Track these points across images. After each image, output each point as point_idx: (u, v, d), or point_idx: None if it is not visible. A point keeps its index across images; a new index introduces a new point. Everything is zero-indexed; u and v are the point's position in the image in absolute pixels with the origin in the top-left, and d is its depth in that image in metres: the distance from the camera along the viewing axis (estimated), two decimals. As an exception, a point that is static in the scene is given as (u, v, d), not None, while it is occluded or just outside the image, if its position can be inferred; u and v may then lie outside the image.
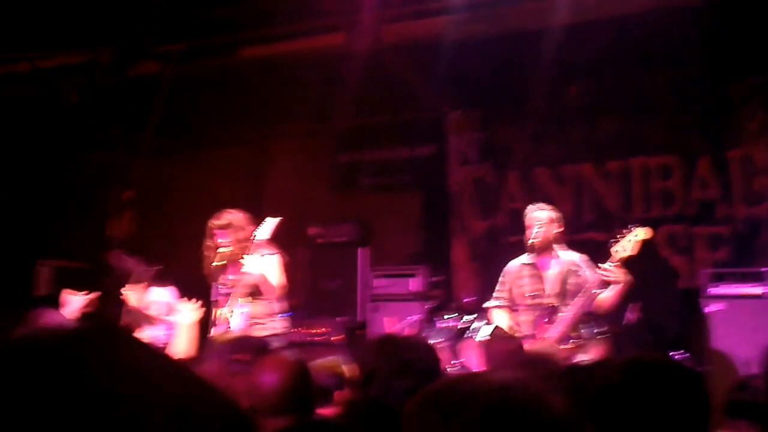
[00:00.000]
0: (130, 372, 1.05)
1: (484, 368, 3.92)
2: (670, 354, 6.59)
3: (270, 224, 5.63)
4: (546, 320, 5.49)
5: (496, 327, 5.65)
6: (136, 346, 1.16)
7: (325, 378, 3.58)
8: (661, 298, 7.27)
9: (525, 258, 5.74)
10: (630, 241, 5.42)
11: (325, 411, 3.27)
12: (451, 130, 8.46)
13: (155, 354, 1.14)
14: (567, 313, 5.48)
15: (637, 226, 5.55)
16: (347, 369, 3.75)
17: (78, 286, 6.29)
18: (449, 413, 1.10)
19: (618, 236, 5.50)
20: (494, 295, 5.88)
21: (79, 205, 8.87)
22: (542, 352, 4.03)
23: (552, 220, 5.67)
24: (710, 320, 6.44)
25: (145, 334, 5.87)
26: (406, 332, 6.70)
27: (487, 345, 4.04)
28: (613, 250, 5.43)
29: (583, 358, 5.53)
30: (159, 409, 1.02)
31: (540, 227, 5.60)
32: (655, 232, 7.43)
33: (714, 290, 6.50)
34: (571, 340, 5.48)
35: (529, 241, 5.60)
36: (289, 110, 8.61)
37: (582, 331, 5.71)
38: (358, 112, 8.48)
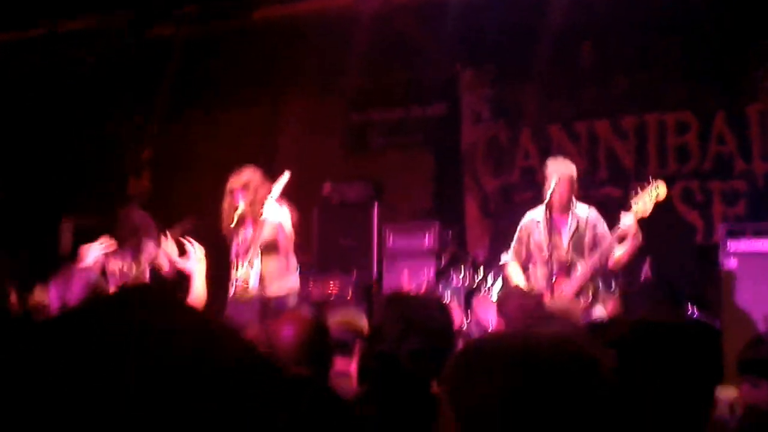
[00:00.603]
0: (180, 331, 1.11)
1: (500, 324, 3.91)
2: (686, 310, 6.61)
3: (282, 181, 5.66)
4: (561, 275, 5.48)
5: (511, 283, 5.63)
6: (183, 307, 1.22)
7: (343, 331, 3.62)
8: (677, 254, 7.25)
9: (541, 211, 5.65)
10: (650, 198, 5.40)
11: (344, 363, 3.31)
12: (464, 88, 8.40)
13: (196, 313, 1.20)
14: (583, 269, 5.47)
15: (657, 181, 5.50)
16: (365, 323, 3.79)
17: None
18: (493, 368, 1.09)
19: (638, 190, 5.46)
20: (510, 249, 5.83)
21: (99, 165, 9.00)
22: (559, 308, 4.02)
23: (571, 175, 5.61)
24: (726, 276, 6.42)
25: None
26: (421, 290, 6.69)
27: (503, 301, 4.01)
28: (633, 204, 5.40)
29: (599, 313, 5.55)
30: (207, 363, 1.08)
31: (559, 181, 5.52)
32: (671, 188, 7.43)
33: (731, 246, 6.45)
34: (586, 295, 5.47)
35: (547, 195, 5.51)
36: (302, 70, 8.60)
37: (597, 286, 5.70)
38: (370, 72, 8.45)
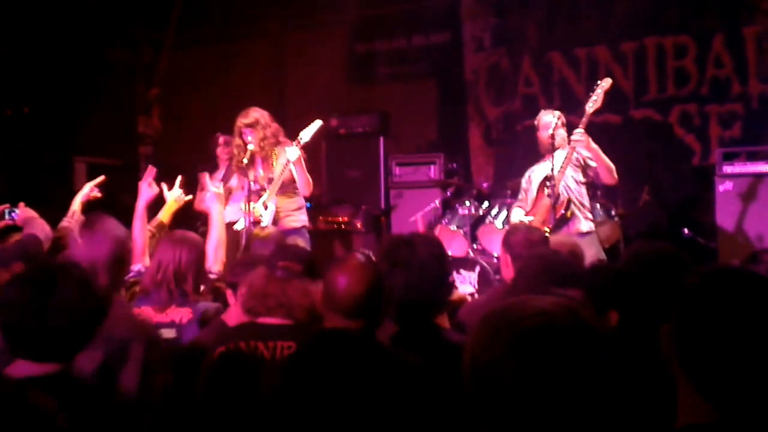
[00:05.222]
0: None
1: (505, 258, 4.02)
2: (682, 231, 6.84)
3: (314, 126, 5.71)
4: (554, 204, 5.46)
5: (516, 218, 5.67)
6: None
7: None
8: (675, 176, 7.44)
9: (547, 168, 5.63)
10: (598, 94, 5.50)
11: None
12: (466, 16, 8.46)
13: None
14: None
15: (604, 80, 5.60)
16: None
17: (112, 182, 6.48)
18: (497, 333, 1.24)
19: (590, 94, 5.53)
20: (518, 200, 5.93)
21: (109, 103, 8.92)
22: (563, 243, 4.10)
23: (548, 122, 5.65)
24: (722, 197, 6.62)
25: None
26: (431, 230, 6.77)
27: (508, 235, 4.11)
28: (586, 108, 5.47)
29: (597, 238, 5.70)
30: None
31: (541, 129, 5.65)
32: (670, 112, 7.58)
33: (726, 168, 6.65)
34: (563, 205, 5.50)
35: (549, 144, 5.56)
36: (306, 2, 8.61)
37: (595, 211, 5.77)
38: (372, 1, 8.49)
